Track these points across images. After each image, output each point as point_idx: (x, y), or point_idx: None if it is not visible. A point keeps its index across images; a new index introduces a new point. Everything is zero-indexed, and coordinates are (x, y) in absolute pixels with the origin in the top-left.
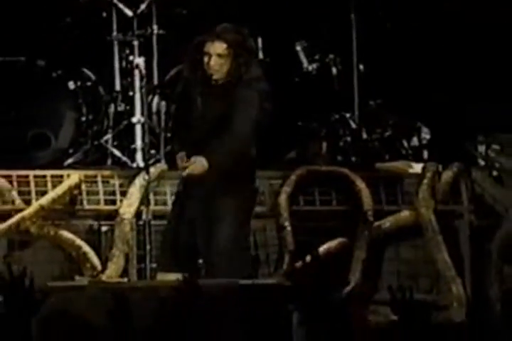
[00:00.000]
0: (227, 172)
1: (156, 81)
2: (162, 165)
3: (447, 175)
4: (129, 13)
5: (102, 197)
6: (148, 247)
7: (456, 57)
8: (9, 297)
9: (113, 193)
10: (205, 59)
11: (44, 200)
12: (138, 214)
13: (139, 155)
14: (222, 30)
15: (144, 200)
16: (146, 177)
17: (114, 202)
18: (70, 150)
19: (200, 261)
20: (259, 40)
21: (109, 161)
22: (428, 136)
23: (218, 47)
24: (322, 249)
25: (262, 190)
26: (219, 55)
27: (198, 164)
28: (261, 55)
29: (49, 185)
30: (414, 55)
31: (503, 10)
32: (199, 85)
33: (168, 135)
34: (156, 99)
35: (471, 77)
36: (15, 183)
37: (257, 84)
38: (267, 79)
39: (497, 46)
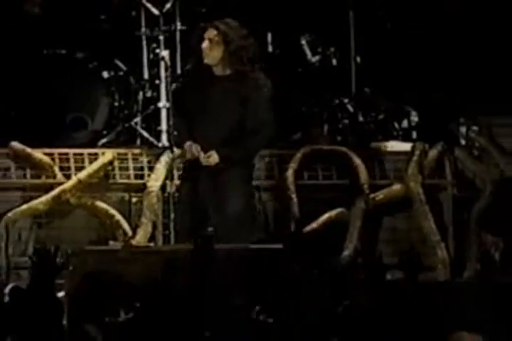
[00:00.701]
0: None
1: (178, 71)
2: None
3: (433, 153)
4: (156, 11)
5: (132, 172)
6: (172, 216)
7: (443, 51)
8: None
9: (141, 169)
10: (202, 44)
11: (82, 175)
12: (163, 187)
13: (164, 136)
14: (218, 21)
15: (169, 175)
16: (170, 155)
17: (142, 177)
18: (104, 132)
19: (210, 228)
20: (269, 35)
21: (138, 141)
22: (416, 119)
23: (210, 32)
24: (323, 218)
25: (259, 166)
26: (210, 40)
27: (211, 159)
28: (270, 48)
29: (86, 161)
30: (404, 48)
31: (503, 10)
32: (201, 76)
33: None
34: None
35: (459, 71)
36: (56, 160)
37: (267, 85)
38: (274, 70)
39: (494, 45)
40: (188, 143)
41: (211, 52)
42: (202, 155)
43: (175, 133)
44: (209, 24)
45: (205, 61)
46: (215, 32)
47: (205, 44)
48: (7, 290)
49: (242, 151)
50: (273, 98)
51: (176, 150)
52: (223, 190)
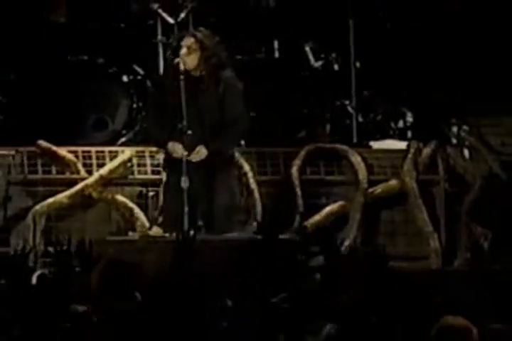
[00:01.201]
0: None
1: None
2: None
3: (427, 151)
4: (171, 20)
5: (149, 168)
6: (186, 209)
7: (437, 53)
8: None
9: (158, 165)
10: (180, 51)
11: (103, 171)
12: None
13: None
14: (195, 30)
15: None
16: (185, 153)
17: (158, 173)
18: (124, 131)
19: (200, 222)
20: (275, 42)
21: None
22: (411, 120)
23: (188, 40)
24: (326, 210)
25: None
26: (188, 47)
27: (200, 153)
28: (277, 54)
29: (107, 158)
30: (401, 52)
31: (502, 10)
32: (177, 79)
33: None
34: None
35: (452, 73)
36: (80, 157)
37: (237, 83)
38: (281, 74)
39: (489, 45)
40: (170, 144)
41: (189, 58)
42: (186, 153)
43: (153, 132)
44: (186, 33)
45: (184, 66)
46: (192, 40)
47: (183, 51)
48: (35, 277)
49: (227, 143)
50: (244, 94)
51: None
52: (211, 180)
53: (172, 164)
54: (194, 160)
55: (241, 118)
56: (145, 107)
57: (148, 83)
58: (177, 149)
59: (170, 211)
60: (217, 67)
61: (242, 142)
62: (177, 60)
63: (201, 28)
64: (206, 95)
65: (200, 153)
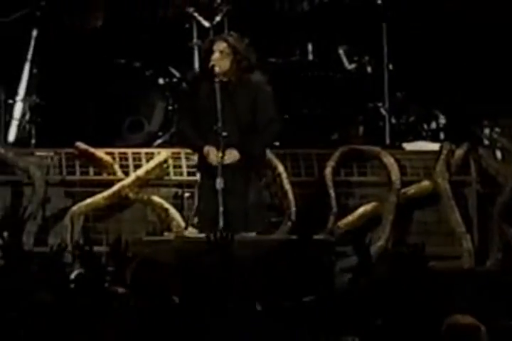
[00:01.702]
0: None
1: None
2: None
3: (459, 152)
4: (206, 24)
5: (184, 169)
6: (221, 209)
7: (469, 56)
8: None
9: (193, 166)
10: (212, 56)
11: (139, 172)
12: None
13: None
14: (226, 34)
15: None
16: (220, 154)
17: (194, 174)
18: (160, 133)
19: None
20: (310, 46)
21: None
22: (444, 121)
23: (220, 44)
24: (359, 211)
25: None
26: (221, 52)
27: (233, 156)
28: (311, 57)
29: (143, 160)
30: (433, 55)
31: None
32: (209, 82)
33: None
34: None
35: (483, 75)
36: (117, 159)
37: (267, 86)
38: (315, 76)
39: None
40: (206, 148)
41: (221, 62)
42: (220, 156)
43: (184, 136)
44: (218, 37)
45: (216, 70)
46: (224, 44)
47: (216, 55)
48: (73, 276)
49: (260, 145)
50: (275, 96)
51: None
52: (241, 184)
53: (206, 166)
54: (226, 163)
55: (274, 120)
56: (178, 111)
57: (184, 86)
58: (211, 154)
59: (205, 212)
60: (248, 70)
61: (277, 143)
62: (212, 63)
63: (232, 32)
64: (237, 98)
65: (232, 156)
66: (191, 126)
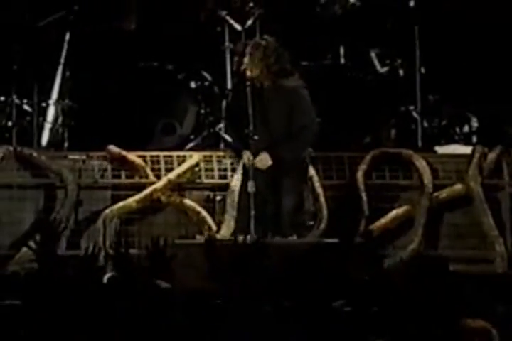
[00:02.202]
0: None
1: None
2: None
3: (492, 156)
4: (238, 27)
5: (216, 172)
6: (252, 213)
7: (502, 59)
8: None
9: (225, 170)
10: (245, 59)
11: (171, 175)
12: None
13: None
14: (258, 38)
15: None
16: (251, 157)
17: (225, 177)
18: (192, 136)
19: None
20: (342, 49)
21: (222, 145)
22: (476, 124)
23: (251, 48)
24: (391, 214)
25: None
26: (250, 54)
27: (264, 161)
28: (343, 60)
29: (175, 163)
30: (465, 59)
31: None
32: (243, 86)
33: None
34: None
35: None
36: (148, 162)
37: (303, 90)
38: (347, 80)
39: None
40: (246, 153)
41: (252, 66)
42: (246, 159)
43: (232, 140)
44: (250, 41)
45: (248, 74)
46: (254, 48)
47: (246, 59)
48: (105, 279)
49: (290, 152)
50: (311, 101)
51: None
52: (279, 189)
53: (244, 169)
54: (258, 167)
55: (306, 127)
56: (212, 112)
57: (230, 89)
58: (245, 157)
59: (240, 215)
60: (281, 75)
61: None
62: (244, 66)
63: (265, 36)
64: (270, 103)
65: (264, 160)
66: (234, 128)
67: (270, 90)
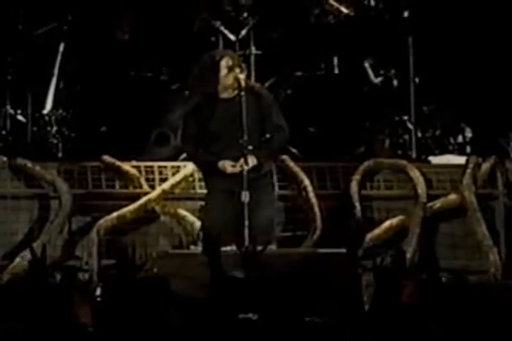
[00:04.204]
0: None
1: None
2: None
3: (486, 166)
4: (232, 37)
5: None
6: (246, 223)
7: (495, 69)
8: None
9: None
10: (221, 72)
11: (165, 185)
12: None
13: None
14: (228, 51)
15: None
16: (246, 167)
17: None
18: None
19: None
20: (335, 59)
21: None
22: (470, 135)
23: (228, 61)
24: (385, 224)
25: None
26: (229, 68)
27: (251, 162)
28: (336, 71)
29: (169, 173)
30: (459, 69)
31: None
32: (215, 99)
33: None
34: None
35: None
36: (143, 172)
37: (271, 96)
38: (340, 90)
39: None
40: (220, 163)
41: (228, 78)
42: (236, 165)
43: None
44: (223, 53)
45: (221, 86)
46: (231, 61)
47: (224, 72)
48: (98, 290)
49: (266, 153)
50: (279, 106)
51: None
52: (257, 203)
53: (215, 180)
54: (246, 170)
55: (284, 126)
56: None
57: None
58: (228, 165)
59: (213, 226)
60: (247, 86)
61: (302, 156)
62: (229, 78)
63: (221, 48)
64: (247, 109)
65: (251, 161)
66: (197, 145)
67: (236, 101)
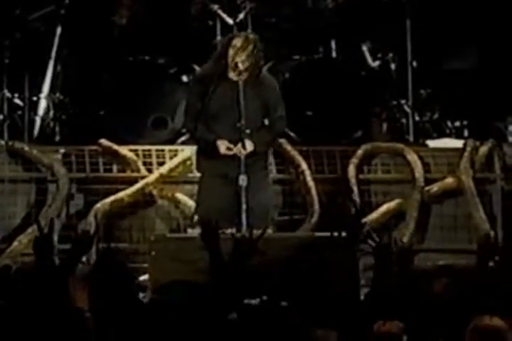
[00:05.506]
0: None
1: None
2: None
3: (483, 149)
4: (230, 21)
5: None
6: (244, 207)
7: (493, 53)
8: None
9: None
10: (233, 53)
11: (163, 169)
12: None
13: None
14: (246, 32)
15: None
16: (243, 152)
17: None
18: (183, 130)
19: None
20: (333, 42)
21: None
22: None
23: (242, 42)
24: (383, 208)
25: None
26: (243, 47)
27: (248, 147)
28: (334, 54)
29: (167, 157)
30: (457, 53)
31: None
32: (224, 80)
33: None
34: None
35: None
36: (140, 156)
37: (277, 89)
38: (338, 74)
39: None
40: (219, 142)
41: (246, 59)
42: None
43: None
44: (238, 34)
45: (240, 67)
46: (239, 43)
47: (231, 51)
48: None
49: (263, 142)
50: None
51: None
52: (256, 187)
53: (211, 162)
54: (243, 154)
55: (284, 117)
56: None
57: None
58: (222, 146)
59: (208, 209)
60: (261, 69)
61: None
62: (236, 59)
63: (249, 31)
64: (247, 96)
65: (248, 146)
66: (199, 121)
67: (252, 83)
